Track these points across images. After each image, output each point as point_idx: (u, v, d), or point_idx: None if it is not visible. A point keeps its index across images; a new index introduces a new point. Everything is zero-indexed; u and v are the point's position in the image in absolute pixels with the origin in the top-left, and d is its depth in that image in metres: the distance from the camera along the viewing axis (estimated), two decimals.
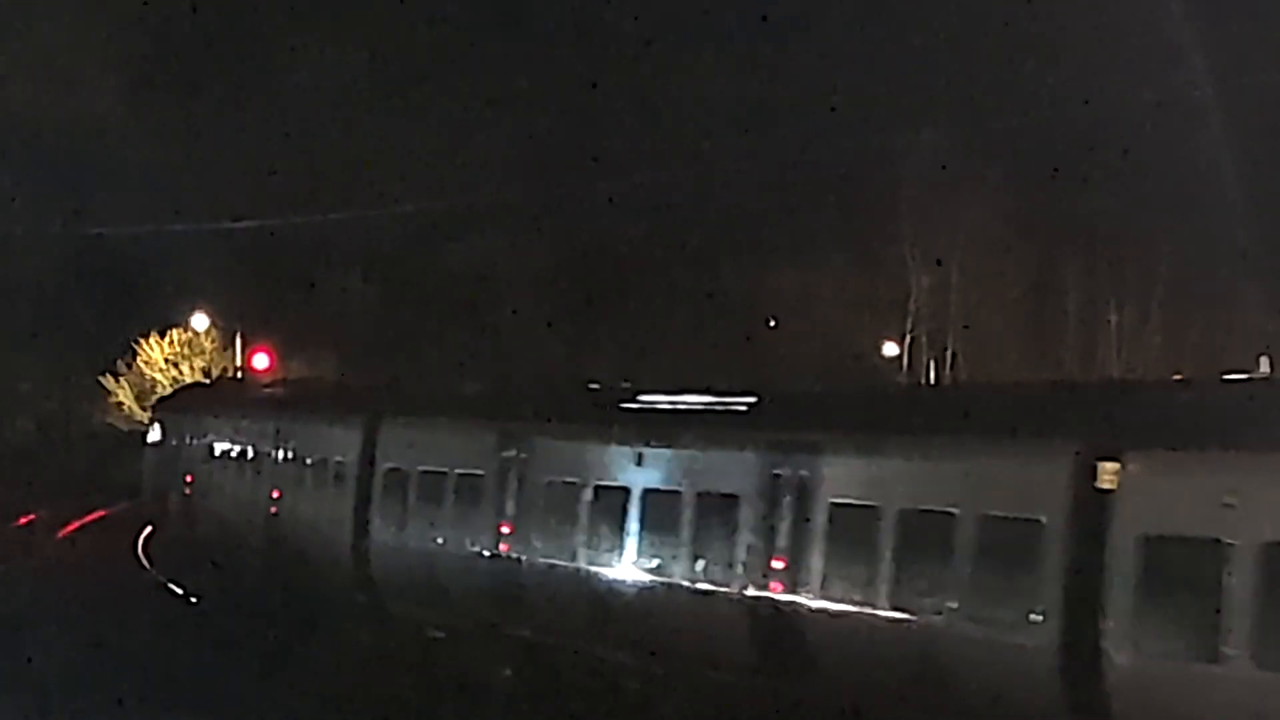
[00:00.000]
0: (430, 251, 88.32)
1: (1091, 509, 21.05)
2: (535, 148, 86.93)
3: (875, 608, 23.76)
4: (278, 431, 40.11)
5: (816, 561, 24.75)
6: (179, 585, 44.45)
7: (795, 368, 77.32)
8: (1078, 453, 21.38)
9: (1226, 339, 77.43)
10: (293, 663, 33.43)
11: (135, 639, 36.07)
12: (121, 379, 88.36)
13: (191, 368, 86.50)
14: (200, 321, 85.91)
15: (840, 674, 24.42)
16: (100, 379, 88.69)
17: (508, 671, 31.17)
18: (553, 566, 29.88)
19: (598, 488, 29.02)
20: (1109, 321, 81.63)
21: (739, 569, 26.02)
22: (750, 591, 25.77)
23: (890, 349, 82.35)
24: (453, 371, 77.49)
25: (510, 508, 30.96)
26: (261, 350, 73.65)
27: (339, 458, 36.57)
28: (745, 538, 25.94)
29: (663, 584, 27.47)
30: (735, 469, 26.40)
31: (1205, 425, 20.94)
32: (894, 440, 24.19)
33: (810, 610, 24.77)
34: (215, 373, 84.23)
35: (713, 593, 26.48)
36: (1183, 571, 20.01)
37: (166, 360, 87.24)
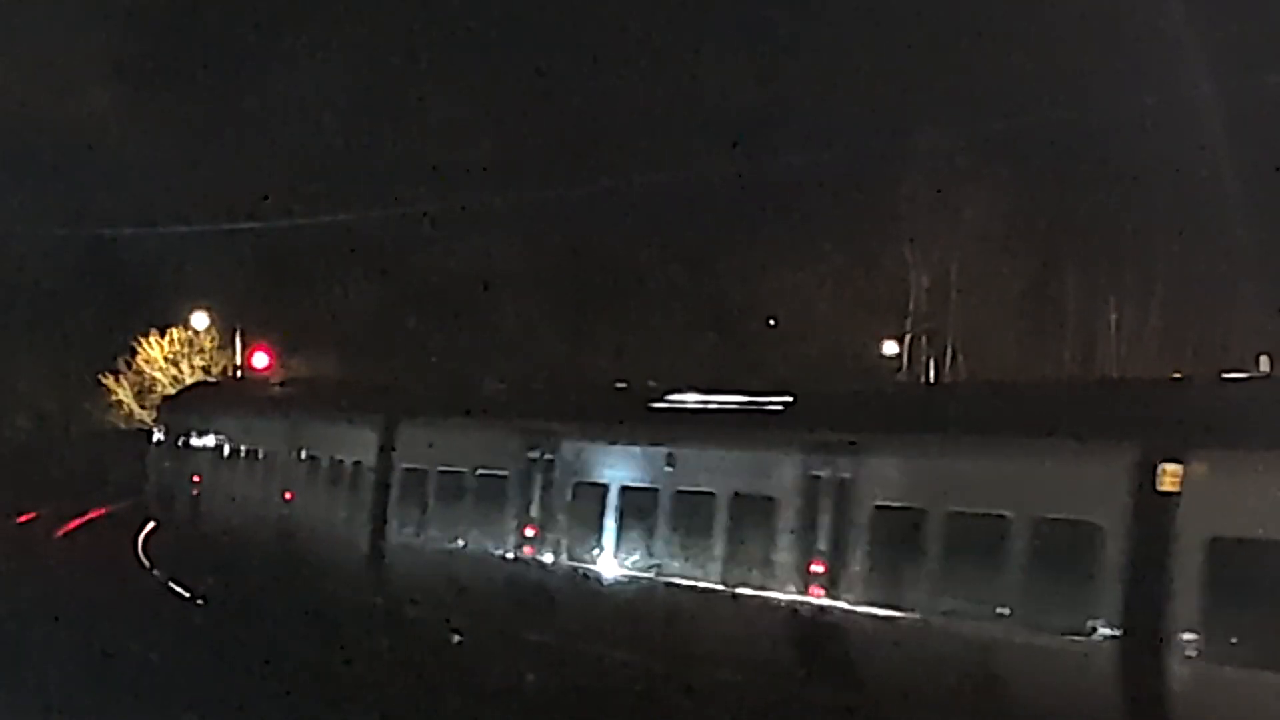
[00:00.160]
0: (430, 251, 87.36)
1: (1153, 512, 20.14)
2: (534, 148, 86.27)
3: (922, 613, 22.80)
4: (290, 431, 39.07)
5: (859, 566, 23.78)
6: (184, 586, 43.28)
7: (795, 368, 76.57)
8: (1137, 454, 20.44)
9: (1226, 339, 76.61)
10: (306, 667, 32.29)
11: (139, 642, 34.81)
12: (121, 378, 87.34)
13: (191, 367, 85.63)
14: (200, 320, 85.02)
15: (884, 681, 23.43)
16: (100, 378, 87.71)
17: (531, 677, 30.12)
18: (579, 570, 28.89)
19: (626, 489, 28.02)
20: (1109, 321, 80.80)
21: (776, 573, 25.04)
22: (789, 596, 24.78)
23: (890, 348, 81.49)
24: (452, 371, 76.87)
25: (534, 510, 29.96)
26: (261, 349, 73.10)
27: (355, 458, 35.52)
28: (783, 541, 24.96)
29: (696, 588, 26.46)
30: (772, 470, 25.41)
31: (1269, 423, 20.02)
32: (941, 441, 23.19)
33: (852, 615, 23.80)
34: (215, 372, 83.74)
35: (749, 597, 25.50)
36: (1254, 576, 19.11)
37: (166, 359, 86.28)
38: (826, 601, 24.15)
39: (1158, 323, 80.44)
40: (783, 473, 25.07)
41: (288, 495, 38.62)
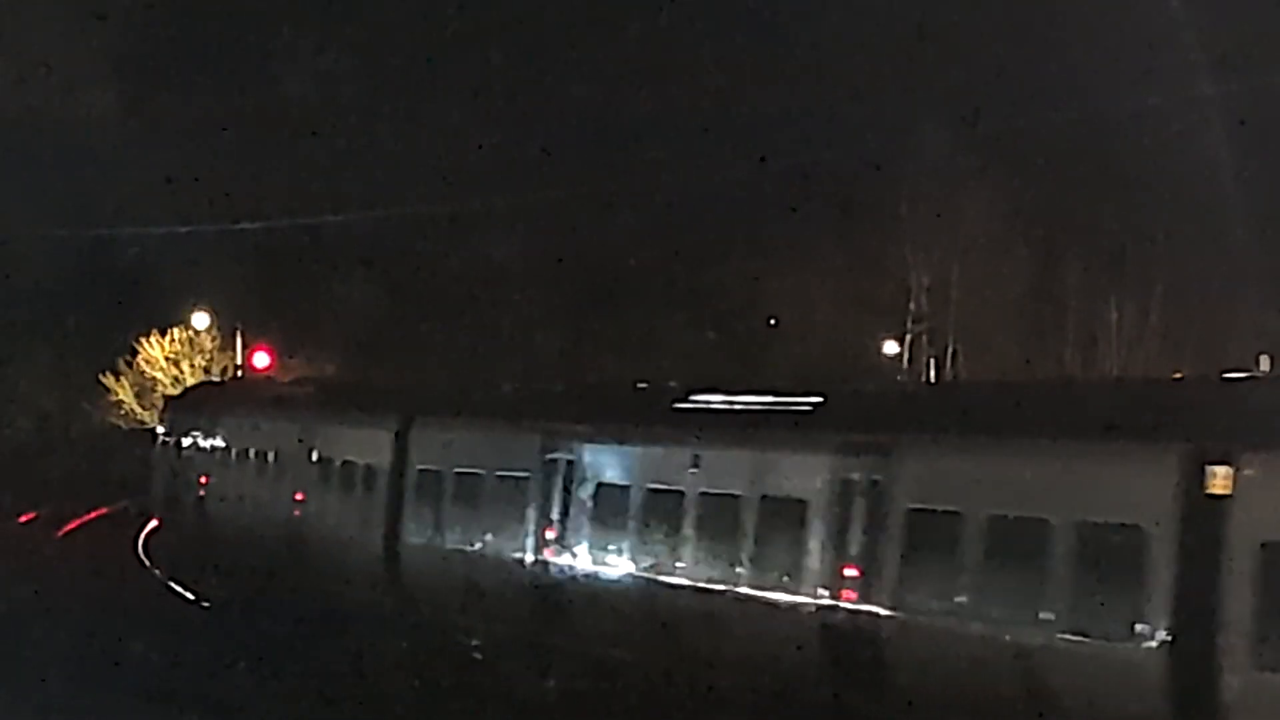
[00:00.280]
0: (430, 251, 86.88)
1: (1202, 515, 19.44)
2: (535, 148, 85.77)
3: (960, 620, 22.07)
4: (302, 432, 38.26)
5: (893, 570, 23.03)
6: (189, 589, 42.46)
7: (795, 368, 76.07)
8: (1185, 455, 19.74)
9: (1226, 339, 75.94)
10: (318, 673, 31.45)
11: (142, 644, 34.01)
12: (122, 378, 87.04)
13: (192, 366, 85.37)
14: (200, 320, 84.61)
15: (920, 688, 22.71)
16: (100, 378, 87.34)
17: (551, 684, 29.37)
18: (602, 574, 28.15)
19: (651, 491, 27.27)
20: (1109, 321, 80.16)
21: (807, 577, 24.31)
22: (820, 601, 24.05)
23: (891, 348, 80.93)
24: (468, 372, 76.54)
25: (555, 512, 29.20)
26: (262, 349, 72.48)
27: (369, 460, 34.74)
28: (814, 544, 24.23)
29: (723, 592, 25.72)
30: (802, 472, 24.67)
31: None
32: (979, 442, 22.46)
33: (886, 620, 23.06)
34: (216, 372, 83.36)
35: (778, 602, 24.77)
36: None
37: (167, 359, 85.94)
38: (860, 606, 23.39)
39: (1158, 323, 79.76)
40: (814, 475, 24.32)
41: (299, 496, 37.80)
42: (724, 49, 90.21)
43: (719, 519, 25.85)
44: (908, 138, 78.77)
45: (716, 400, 28.08)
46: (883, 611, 23.10)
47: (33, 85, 78.63)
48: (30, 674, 28.74)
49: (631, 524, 27.52)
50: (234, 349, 79.19)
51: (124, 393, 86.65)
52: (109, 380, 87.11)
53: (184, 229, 78.76)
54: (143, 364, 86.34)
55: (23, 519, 60.00)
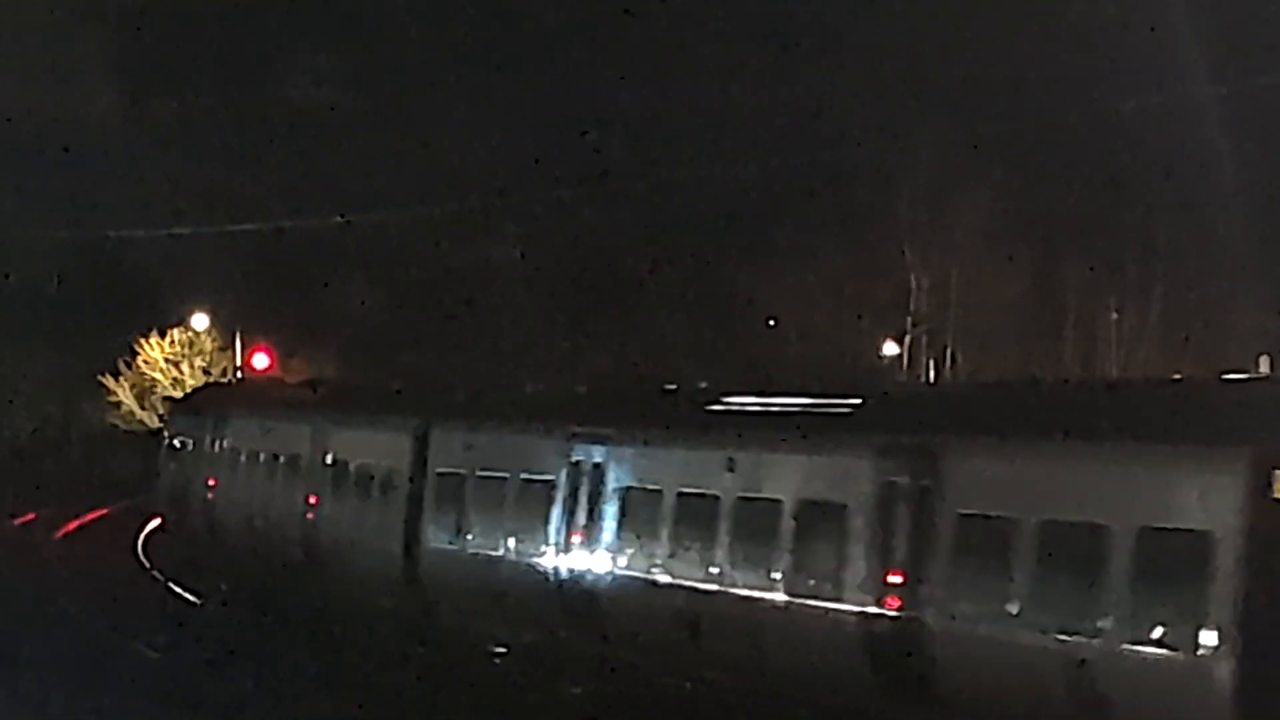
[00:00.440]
0: (430, 251, 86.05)
1: (1271, 520, 18.55)
2: (535, 148, 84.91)
3: (1012, 627, 21.15)
4: (315, 434, 37.27)
5: (941, 576, 22.10)
6: (197, 591, 41.42)
7: (796, 368, 75.29)
8: (1254, 459, 18.85)
9: (1226, 339, 75.21)
10: (336, 680, 30.43)
11: (145, 646, 33.27)
12: (121, 379, 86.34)
13: (191, 367, 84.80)
14: (200, 321, 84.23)
15: (967, 697, 21.81)
16: (100, 379, 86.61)
17: (577, 690, 28.43)
18: (631, 579, 27.21)
19: (683, 495, 26.34)
20: (1109, 321, 79.47)
21: (850, 583, 23.39)
22: (864, 608, 23.12)
23: (890, 348, 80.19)
24: (453, 371, 75.90)
25: (583, 517, 28.25)
26: (261, 350, 71.84)
27: (387, 462, 33.77)
28: (857, 550, 23.31)
29: (759, 598, 24.80)
30: (843, 476, 23.75)
31: None
32: (1031, 445, 21.52)
33: (933, 628, 22.13)
34: (215, 372, 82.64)
35: (819, 609, 23.86)
36: None
37: (166, 360, 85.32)
38: (906, 614, 22.47)
39: (1158, 323, 79.08)
40: (857, 479, 23.39)
41: (312, 499, 36.83)
42: (724, 49, 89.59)
43: (756, 524, 24.93)
44: (908, 138, 78.08)
45: (750, 403, 27.13)
46: (931, 619, 22.17)
47: (33, 85, 78.05)
48: (30, 674, 28.03)
49: (663, 529, 26.60)
50: (234, 350, 78.51)
51: (124, 393, 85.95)
52: (109, 381, 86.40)
53: (184, 229, 78.45)
54: (142, 365, 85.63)
55: (22, 520, 59.40)
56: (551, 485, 28.95)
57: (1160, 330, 78.78)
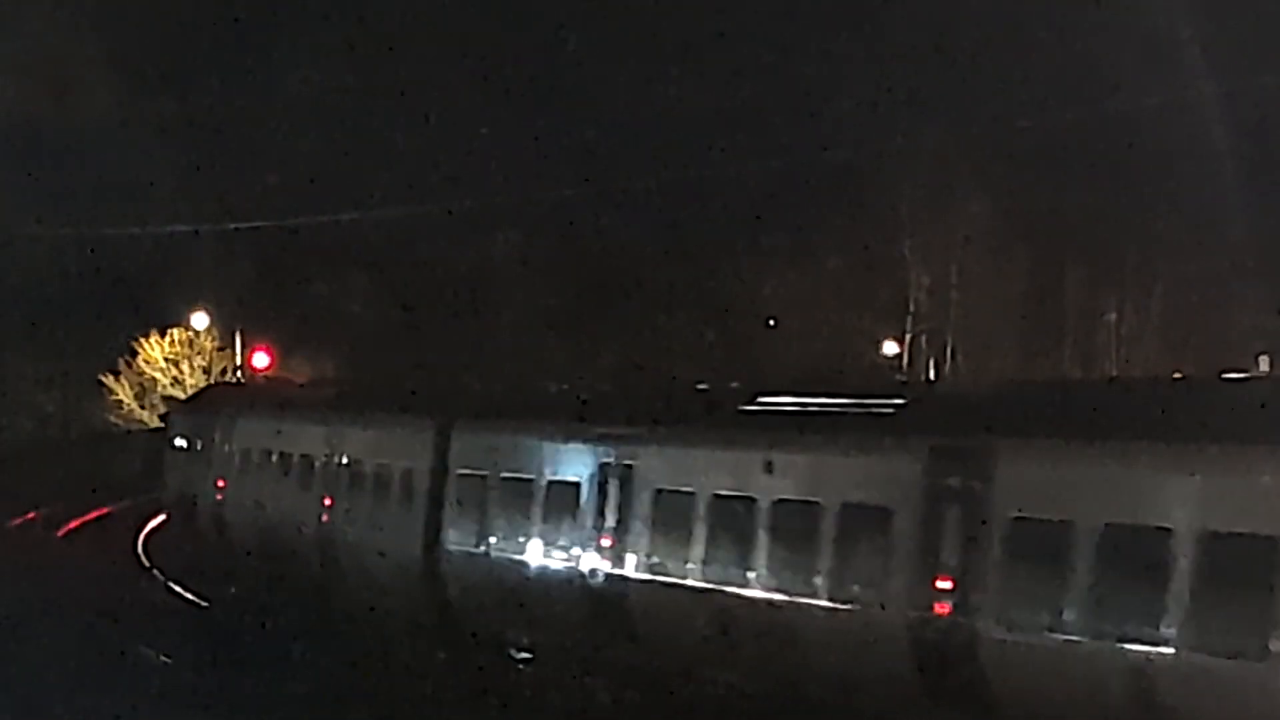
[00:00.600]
0: (430, 251, 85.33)
1: None
2: (535, 148, 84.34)
3: (1070, 635, 20.18)
4: (330, 434, 36.22)
5: (994, 582, 21.09)
6: (203, 595, 40.41)
7: (795, 367, 74.70)
8: None
9: (1226, 339, 74.69)
10: (355, 687, 29.42)
11: (151, 651, 32.36)
12: (121, 378, 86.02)
13: (191, 367, 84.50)
14: (200, 320, 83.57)
15: (1020, 707, 20.84)
16: (100, 378, 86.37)
17: (605, 696, 27.44)
18: (663, 582, 26.21)
19: (718, 497, 25.34)
20: (1109, 321, 79.04)
21: (895, 589, 22.40)
22: (910, 614, 22.15)
23: (890, 348, 79.67)
24: (452, 371, 75.22)
25: (612, 519, 27.24)
26: (261, 350, 71.02)
27: (406, 462, 32.72)
28: (903, 555, 22.30)
29: (799, 603, 23.81)
30: (888, 478, 22.75)
31: None
32: (1092, 446, 20.52)
33: (985, 635, 21.14)
34: (215, 372, 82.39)
35: (861, 613, 22.88)
36: None
37: (166, 359, 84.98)
38: (955, 620, 21.50)
39: (1158, 323, 78.56)
40: (902, 481, 22.40)
41: (327, 501, 35.80)
42: (724, 49, 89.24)
43: (795, 527, 23.92)
44: (908, 138, 77.55)
45: (788, 402, 26.12)
46: (982, 626, 21.18)
47: (33, 85, 77.10)
48: (29, 674, 27.47)
49: (696, 531, 25.57)
50: (234, 349, 77.73)
51: (124, 393, 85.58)
52: (109, 380, 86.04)
53: (184, 229, 77.72)
54: (142, 364, 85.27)
55: (22, 519, 58.75)
56: (579, 486, 27.94)
57: (1160, 330, 78.40)
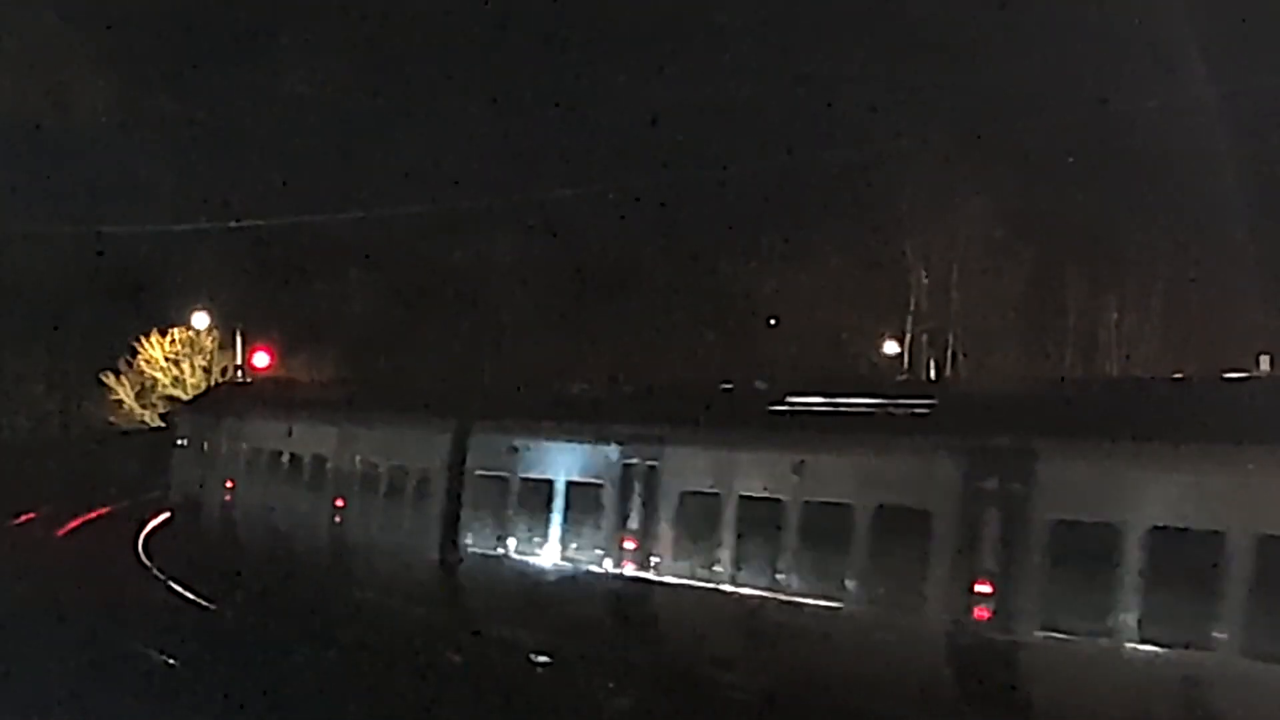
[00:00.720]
0: (430, 251, 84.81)
1: None
2: (535, 148, 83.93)
3: (1114, 640, 19.51)
4: (343, 435, 35.48)
5: (1036, 585, 20.41)
6: (209, 597, 39.66)
7: (795, 367, 74.17)
8: None
9: (1226, 339, 74.14)
10: (370, 691, 28.67)
11: (154, 649, 31.73)
12: (122, 377, 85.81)
13: (192, 366, 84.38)
14: (201, 320, 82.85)
15: (1066, 715, 20.17)
16: (100, 378, 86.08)
17: (626, 701, 26.74)
18: (688, 586, 25.51)
19: (745, 499, 24.66)
20: (1109, 321, 78.58)
21: (932, 593, 21.72)
22: (947, 619, 21.47)
23: (891, 347, 79.18)
24: (452, 370, 74.97)
25: (636, 521, 26.55)
26: (262, 349, 70.39)
27: (422, 464, 32.00)
28: (940, 558, 21.62)
29: (831, 608, 23.14)
30: (924, 479, 22.07)
31: None
32: (1139, 447, 19.83)
33: (1026, 641, 20.47)
34: (215, 371, 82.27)
35: (895, 618, 22.21)
36: None
37: (167, 359, 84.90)
38: (995, 625, 20.82)
39: (1158, 323, 78.09)
40: (940, 483, 21.71)
41: (339, 502, 35.07)
42: (724, 49, 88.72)
43: (826, 530, 23.23)
44: (910, 137, 77.09)
45: (818, 402, 25.42)
46: (1023, 632, 20.51)
47: (32, 84, 76.52)
48: (29, 674, 26.95)
49: (723, 534, 24.89)
50: (234, 349, 77.13)
51: (124, 393, 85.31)
52: (109, 380, 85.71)
53: (184, 229, 77.24)
54: (143, 364, 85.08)
55: (22, 519, 58.40)
56: (602, 488, 27.24)
57: (1160, 330, 77.95)
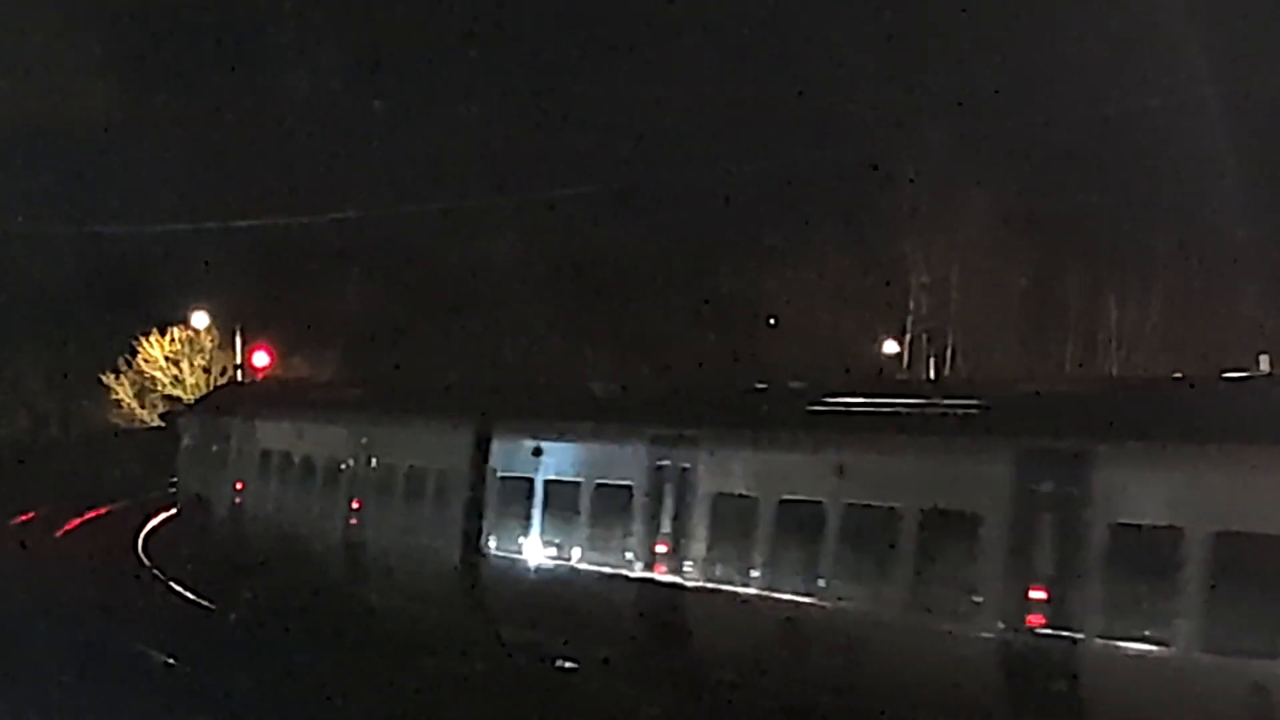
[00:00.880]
0: (430, 251, 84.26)
1: None
2: (536, 148, 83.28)
3: (1175, 647, 18.68)
4: (358, 436, 34.59)
5: (1093, 592, 19.60)
6: (209, 599, 38.81)
7: (795, 367, 73.35)
8: None
9: (1226, 339, 73.50)
10: (384, 695, 27.79)
11: (170, 659, 30.64)
12: (122, 377, 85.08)
13: (192, 366, 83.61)
14: (200, 319, 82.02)
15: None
16: (100, 378, 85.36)
17: (656, 709, 25.85)
18: (724, 590, 24.65)
19: (783, 502, 23.80)
20: (1109, 321, 77.95)
21: (982, 598, 20.87)
22: (998, 624, 20.62)
23: (891, 347, 78.48)
24: (452, 370, 74.19)
25: (667, 524, 25.67)
26: (261, 349, 69.58)
27: (442, 465, 31.12)
28: (991, 562, 20.77)
29: (874, 614, 22.30)
30: (974, 482, 21.21)
31: None
32: (1197, 449, 19.00)
33: (1083, 648, 19.62)
34: (215, 371, 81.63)
35: (945, 624, 21.35)
36: None
37: (167, 359, 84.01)
38: (1051, 632, 19.97)
39: (1158, 323, 77.48)
40: (990, 485, 20.86)
41: (356, 504, 34.18)
42: (725, 49, 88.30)
43: (870, 534, 22.40)
44: (908, 138, 76.53)
45: (859, 402, 24.56)
46: (1080, 638, 19.66)
47: (32, 85, 75.91)
48: (29, 674, 26.27)
49: (761, 538, 24.03)
50: (234, 348, 76.37)
51: (124, 392, 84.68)
52: (109, 380, 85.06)
53: (184, 229, 76.66)
54: (142, 364, 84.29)
55: (22, 519, 57.81)
56: (631, 490, 26.36)
57: (1160, 330, 77.36)
